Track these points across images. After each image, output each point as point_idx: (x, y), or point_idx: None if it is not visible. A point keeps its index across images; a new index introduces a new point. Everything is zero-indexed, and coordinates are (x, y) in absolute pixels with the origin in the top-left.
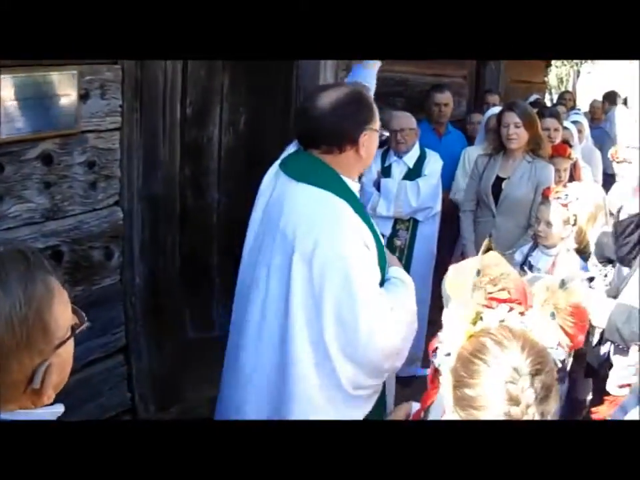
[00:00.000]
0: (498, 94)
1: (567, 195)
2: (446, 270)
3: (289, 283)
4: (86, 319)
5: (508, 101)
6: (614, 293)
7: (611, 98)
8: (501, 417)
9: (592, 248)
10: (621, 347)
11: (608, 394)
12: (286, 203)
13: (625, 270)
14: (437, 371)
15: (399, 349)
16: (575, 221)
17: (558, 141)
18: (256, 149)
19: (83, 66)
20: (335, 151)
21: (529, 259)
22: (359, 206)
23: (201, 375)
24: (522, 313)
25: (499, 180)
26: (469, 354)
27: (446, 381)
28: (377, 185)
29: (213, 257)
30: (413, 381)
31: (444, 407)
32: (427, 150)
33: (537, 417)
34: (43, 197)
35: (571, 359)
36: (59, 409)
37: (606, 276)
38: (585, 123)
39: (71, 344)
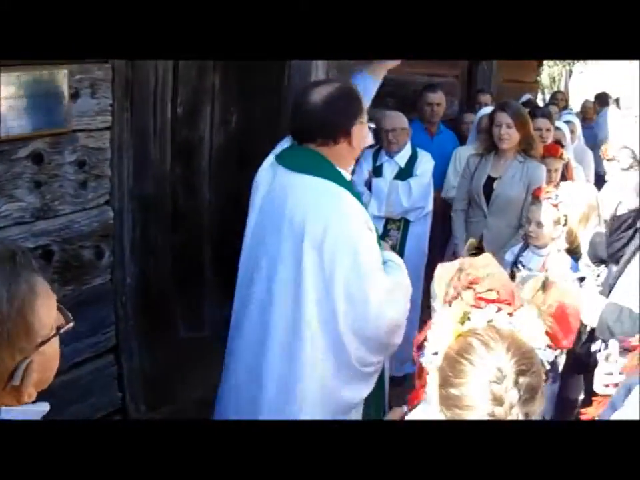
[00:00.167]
0: (490, 93)
1: (557, 195)
2: None
3: (299, 268)
4: (72, 318)
5: (500, 101)
6: (606, 293)
7: (602, 99)
8: (485, 417)
9: (585, 248)
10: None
11: (596, 394)
12: (290, 193)
13: (616, 268)
14: (423, 370)
15: (400, 324)
16: (566, 221)
17: (550, 141)
18: (247, 148)
19: (73, 65)
20: (330, 143)
21: (520, 259)
22: (357, 194)
23: (193, 374)
24: (510, 314)
25: (490, 180)
26: (455, 353)
27: (432, 380)
28: (368, 185)
29: (204, 256)
30: (405, 379)
31: (430, 406)
32: (418, 150)
33: (521, 418)
34: (33, 196)
35: (563, 358)
36: (44, 407)
37: (598, 276)
38: (577, 122)
39: (55, 343)
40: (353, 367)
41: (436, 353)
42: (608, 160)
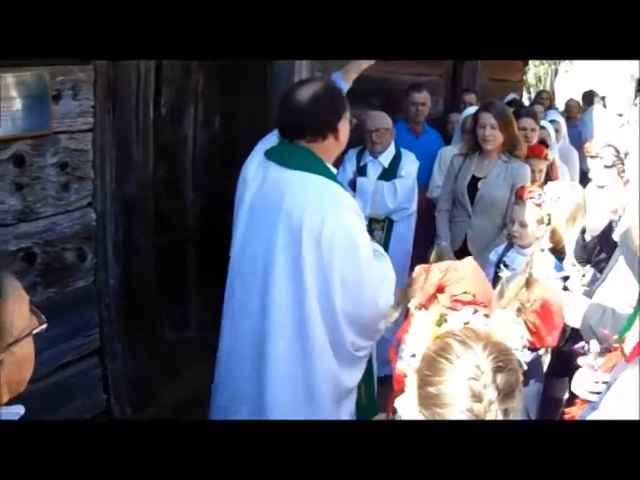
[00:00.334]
0: (475, 93)
1: (540, 194)
2: None
3: (299, 260)
4: (45, 320)
5: (484, 101)
6: (591, 293)
7: (588, 97)
8: (465, 414)
9: (571, 247)
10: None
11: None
12: (286, 189)
13: (599, 269)
14: (400, 375)
15: (387, 310)
16: (549, 220)
17: (535, 140)
18: (231, 148)
19: (55, 66)
20: (319, 139)
21: (504, 258)
22: (345, 187)
23: (178, 375)
24: (487, 315)
25: (474, 180)
26: (433, 353)
27: (411, 382)
28: (353, 185)
29: (188, 257)
30: (388, 379)
31: (409, 407)
32: (402, 150)
33: (500, 415)
34: (15, 198)
35: (548, 358)
36: (18, 410)
37: (584, 276)
38: (563, 122)
39: (27, 344)
40: (349, 352)
41: (414, 355)
42: (591, 157)
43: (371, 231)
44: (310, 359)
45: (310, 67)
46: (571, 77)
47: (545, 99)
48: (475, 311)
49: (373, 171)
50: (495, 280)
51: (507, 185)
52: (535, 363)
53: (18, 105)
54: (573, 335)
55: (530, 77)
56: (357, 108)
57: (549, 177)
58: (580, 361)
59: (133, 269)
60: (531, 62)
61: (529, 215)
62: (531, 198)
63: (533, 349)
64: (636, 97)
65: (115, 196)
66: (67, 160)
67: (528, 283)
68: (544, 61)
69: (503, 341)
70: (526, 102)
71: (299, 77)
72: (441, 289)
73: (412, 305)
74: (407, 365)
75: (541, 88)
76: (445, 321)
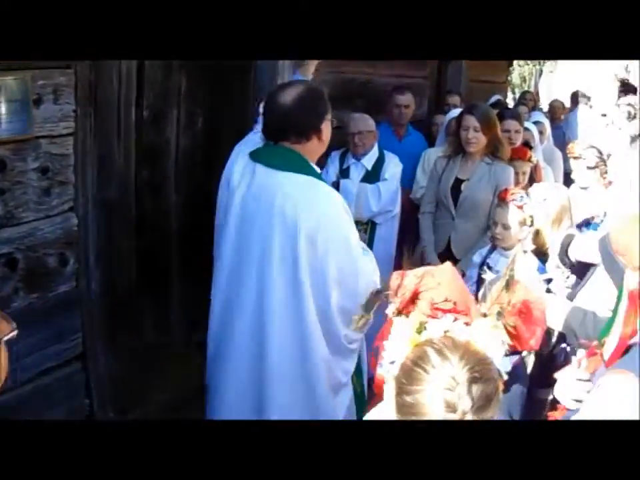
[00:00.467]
0: (459, 94)
1: (522, 196)
2: None
3: (296, 259)
4: (15, 327)
5: (468, 104)
6: (574, 296)
7: (574, 98)
8: None
9: (554, 249)
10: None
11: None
12: (278, 189)
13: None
14: (379, 380)
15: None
16: (532, 222)
17: (519, 142)
18: (214, 150)
19: (36, 70)
20: (303, 140)
21: (488, 260)
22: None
23: (161, 378)
24: (467, 324)
25: (458, 182)
26: (410, 362)
27: (389, 389)
28: (336, 187)
29: (171, 260)
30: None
31: (387, 415)
32: (385, 152)
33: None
34: None
35: (532, 359)
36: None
37: (568, 278)
38: (547, 123)
39: None
40: (343, 344)
41: (393, 362)
42: (574, 158)
43: None
44: (308, 355)
45: (292, 68)
46: (555, 78)
47: (528, 100)
48: (455, 319)
49: (356, 174)
50: (479, 282)
51: (490, 187)
52: (519, 365)
53: None
54: (559, 339)
55: (515, 78)
56: (340, 110)
57: (533, 178)
58: (562, 369)
59: (115, 273)
60: (515, 62)
61: (512, 217)
62: (513, 200)
63: (515, 351)
64: (619, 97)
65: (96, 200)
66: (48, 164)
67: (508, 286)
68: (528, 62)
69: (483, 350)
70: (510, 103)
71: (282, 78)
72: (416, 295)
73: (389, 311)
74: (385, 372)
75: (526, 88)
76: (425, 328)
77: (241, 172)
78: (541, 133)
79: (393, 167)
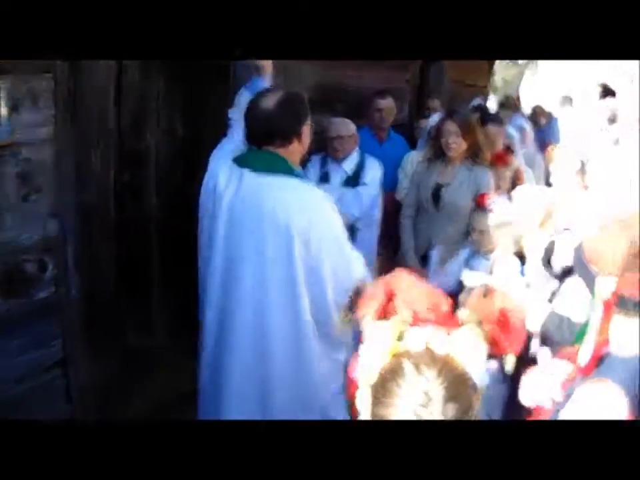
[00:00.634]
0: (439, 98)
1: (494, 200)
2: None
3: (290, 261)
4: None
5: (449, 109)
6: (552, 300)
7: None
8: None
9: (538, 253)
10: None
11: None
12: (268, 193)
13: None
14: (352, 384)
15: None
16: (510, 225)
17: (500, 147)
18: (193, 154)
19: (15, 76)
20: (286, 144)
21: (469, 264)
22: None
23: (143, 383)
24: (448, 334)
25: (438, 186)
26: (386, 373)
27: (364, 395)
28: None
29: (152, 265)
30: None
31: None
32: (366, 156)
33: None
34: None
35: (511, 360)
36: None
37: (548, 282)
38: (529, 127)
39: None
40: (337, 339)
41: (369, 369)
42: (554, 162)
43: None
44: (306, 353)
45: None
46: (537, 81)
47: (510, 103)
48: (436, 330)
49: (337, 178)
50: (460, 287)
51: (471, 192)
52: (499, 369)
53: None
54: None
55: (497, 81)
56: (320, 115)
57: (515, 183)
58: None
59: (95, 278)
60: (497, 66)
61: (488, 222)
62: (489, 205)
63: (495, 356)
64: (600, 99)
65: (75, 206)
66: (27, 170)
67: (486, 294)
68: (511, 65)
69: (462, 364)
70: (492, 106)
71: None
72: (390, 296)
73: (365, 314)
74: (361, 378)
75: (508, 92)
76: (404, 336)
77: (226, 178)
78: (522, 136)
79: (374, 171)
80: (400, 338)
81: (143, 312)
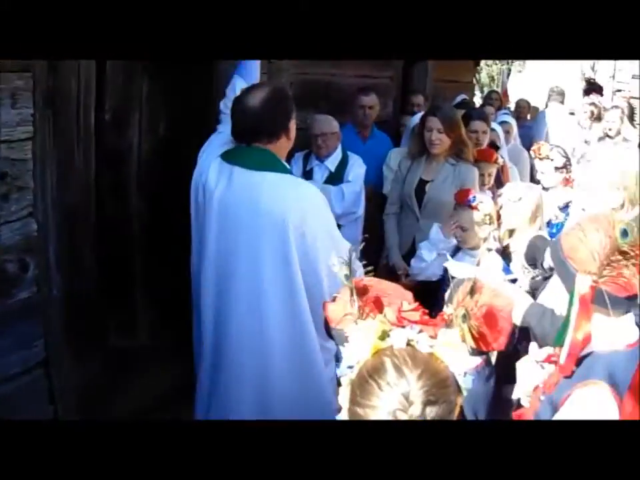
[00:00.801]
0: (423, 94)
1: (474, 196)
2: None
3: (286, 251)
4: None
5: (432, 105)
6: (537, 296)
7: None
8: None
9: (523, 249)
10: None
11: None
12: (263, 190)
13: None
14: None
15: None
16: (490, 220)
17: (486, 143)
18: (176, 153)
19: None
20: (274, 140)
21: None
22: None
23: (127, 384)
24: (432, 336)
25: (422, 183)
26: (366, 372)
27: (344, 393)
28: None
29: (136, 264)
30: None
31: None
32: (349, 153)
33: None
34: None
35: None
36: None
37: (533, 278)
38: (514, 123)
39: None
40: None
41: (351, 367)
42: (540, 159)
43: None
44: (306, 345)
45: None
46: (524, 77)
47: (495, 99)
48: (420, 331)
49: (320, 175)
50: (444, 283)
51: (455, 188)
52: (484, 365)
53: None
54: (521, 335)
55: (483, 77)
56: (304, 112)
57: (500, 179)
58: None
59: (77, 278)
60: (483, 62)
61: (468, 218)
62: (467, 201)
63: (480, 352)
64: (583, 96)
65: (56, 205)
66: (7, 170)
67: (473, 289)
68: (497, 61)
69: (445, 367)
70: (477, 102)
71: None
72: (364, 292)
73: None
74: (343, 375)
75: (494, 88)
76: (388, 336)
77: (216, 176)
78: (507, 132)
79: (357, 169)
80: (382, 337)
81: (126, 312)
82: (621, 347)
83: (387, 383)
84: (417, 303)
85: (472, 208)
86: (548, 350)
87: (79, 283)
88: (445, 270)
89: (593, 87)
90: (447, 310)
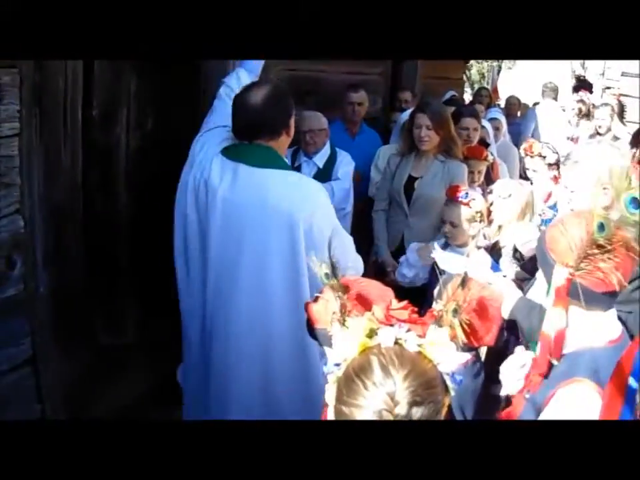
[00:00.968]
0: (411, 90)
1: (466, 193)
2: None
3: (294, 247)
4: None
5: (421, 101)
6: (525, 292)
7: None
8: None
9: (509, 246)
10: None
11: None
12: (270, 187)
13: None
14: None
15: None
16: (481, 218)
17: (476, 140)
18: (165, 150)
19: None
20: (276, 137)
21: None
22: None
23: (116, 382)
24: (421, 336)
25: (411, 179)
26: (352, 371)
27: (330, 391)
28: None
29: (124, 261)
30: None
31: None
32: (338, 150)
33: None
34: None
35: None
36: None
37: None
38: (503, 120)
39: None
40: None
41: (338, 364)
42: (532, 157)
43: None
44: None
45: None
46: (514, 74)
47: (484, 96)
48: (409, 329)
49: (308, 172)
50: (432, 279)
51: (444, 185)
52: (473, 361)
53: None
54: (508, 330)
55: (473, 74)
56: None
57: (490, 176)
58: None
59: (64, 275)
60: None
61: (459, 214)
62: (458, 198)
63: (470, 348)
64: (572, 93)
65: (43, 202)
66: None
67: (464, 283)
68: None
69: (433, 366)
70: (467, 98)
71: None
72: (347, 287)
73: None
74: (329, 373)
75: (484, 85)
76: (376, 334)
77: (219, 174)
78: (496, 129)
79: (346, 165)
80: (370, 335)
81: (114, 309)
82: (602, 343)
83: (372, 382)
84: (405, 301)
85: (464, 204)
86: (530, 354)
87: (66, 280)
88: (432, 270)
89: (582, 84)
90: (437, 306)
